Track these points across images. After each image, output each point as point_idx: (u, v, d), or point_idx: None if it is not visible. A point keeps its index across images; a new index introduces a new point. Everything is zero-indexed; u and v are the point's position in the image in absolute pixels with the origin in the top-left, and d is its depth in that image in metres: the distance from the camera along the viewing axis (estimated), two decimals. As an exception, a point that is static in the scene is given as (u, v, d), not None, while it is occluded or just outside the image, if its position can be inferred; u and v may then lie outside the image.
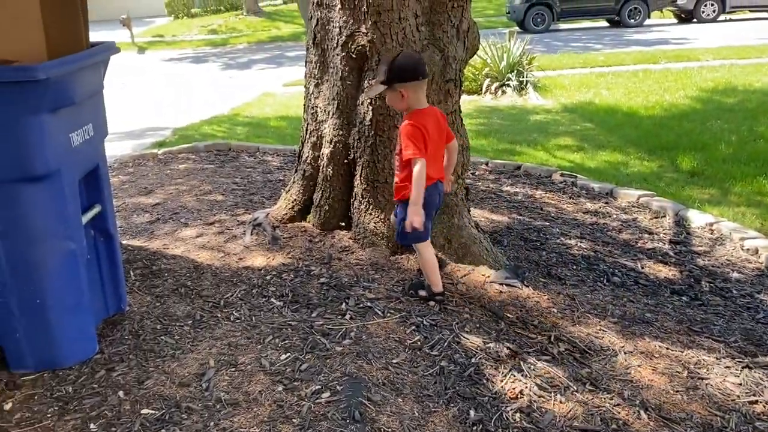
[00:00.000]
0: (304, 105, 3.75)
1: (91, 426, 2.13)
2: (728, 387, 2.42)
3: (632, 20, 19.53)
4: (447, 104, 3.35)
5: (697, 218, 4.40)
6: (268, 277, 3.17)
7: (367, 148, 3.34)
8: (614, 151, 6.58)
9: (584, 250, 3.83)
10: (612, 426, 2.18)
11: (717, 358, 2.62)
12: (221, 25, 25.47)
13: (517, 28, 17.86)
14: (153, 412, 2.20)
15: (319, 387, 2.31)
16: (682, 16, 20.40)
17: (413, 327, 2.73)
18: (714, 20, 19.63)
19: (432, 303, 2.92)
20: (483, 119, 8.43)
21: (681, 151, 6.33)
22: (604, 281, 3.42)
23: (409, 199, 2.70)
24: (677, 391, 2.38)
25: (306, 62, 3.71)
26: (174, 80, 13.89)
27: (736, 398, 2.36)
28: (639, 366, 2.53)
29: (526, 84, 10.02)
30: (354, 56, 3.31)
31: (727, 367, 2.56)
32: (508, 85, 10.00)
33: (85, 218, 2.51)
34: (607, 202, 4.83)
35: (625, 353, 2.61)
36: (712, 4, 19.62)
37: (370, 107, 3.27)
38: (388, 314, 2.83)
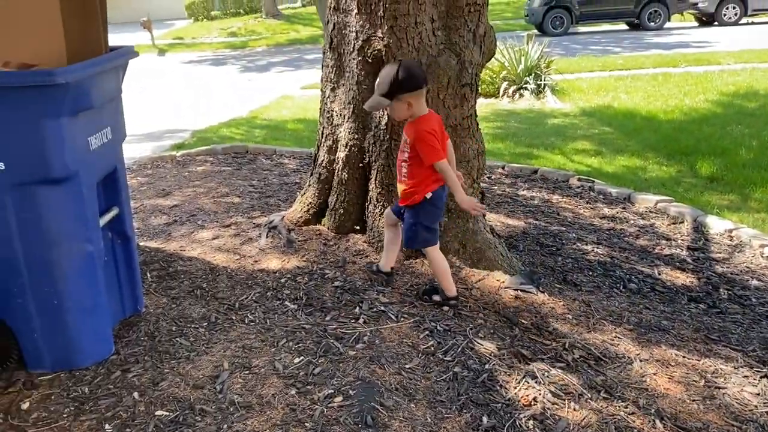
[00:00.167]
0: (320, 109, 3.77)
1: (106, 427, 2.16)
2: (746, 397, 2.39)
3: (652, 23, 19.35)
4: (463, 108, 3.34)
5: (715, 224, 4.34)
6: (282, 280, 3.19)
7: (383, 152, 3.35)
8: (632, 155, 6.52)
9: (601, 255, 3.80)
10: (626, 435, 2.16)
11: (735, 368, 2.59)
12: (240, 27, 25.67)
13: (535, 31, 17.80)
14: (167, 413, 2.22)
15: (332, 391, 2.32)
16: (703, 19, 20.16)
17: (427, 332, 2.72)
18: (736, 23, 19.38)
19: (446, 308, 2.91)
20: (500, 123, 8.40)
21: (700, 156, 6.26)
22: (621, 288, 3.39)
23: (456, 197, 2.78)
24: (693, 401, 2.35)
25: (322, 66, 3.73)
26: (193, 82, 14.00)
27: (753, 408, 2.33)
28: (655, 374, 2.50)
29: (544, 87, 9.97)
30: (370, 60, 3.31)
31: (745, 376, 2.52)
32: (526, 89, 9.96)
33: (103, 220, 2.54)
34: (624, 208, 4.79)
35: (640, 361, 2.59)
36: (734, 7, 19.36)
37: (385, 111, 3.27)
38: (402, 319, 2.83)
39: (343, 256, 3.41)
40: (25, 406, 2.27)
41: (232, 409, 2.23)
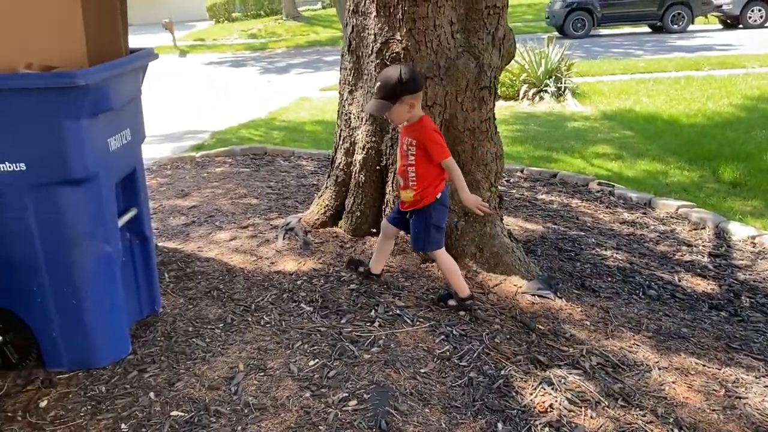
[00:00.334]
0: (338, 111, 3.77)
1: (122, 426, 2.17)
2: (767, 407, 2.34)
3: (675, 26, 19.12)
4: (481, 111, 3.33)
5: (738, 231, 4.27)
6: (298, 282, 3.19)
7: (400, 155, 3.34)
8: (653, 160, 6.44)
9: (620, 261, 3.75)
10: (644, 444, 2.13)
11: (756, 377, 2.54)
12: (261, 29, 25.82)
13: (556, 34, 17.68)
14: (182, 414, 2.23)
15: (347, 394, 2.31)
16: (728, 21, 19.87)
17: (442, 336, 2.71)
18: (761, 26, 19.08)
19: (462, 312, 2.90)
20: (519, 125, 8.35)
21: (723, 161, 6.16)
22: (640, 294, 3.34)
23: (461, 195, 2.85)
24: (713, 410, 2.31)
25: (341, 69, 3.73)
26: (214, 84, 14.10)
27: (775, 419, 2.28)
28: (674, 382, 2.47)
29: (564, 90, 9.89)
30: (388, 63, 3.30)
31: (766, 386, 2.48)
32: (546, 91, 9.89)
33: (122, 221, 2.57)
34: (644, 213, 4.73)
35: (659, 369, 2.55)
36: (760, 10, 19.06)
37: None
38: (418, 323, 2.81)
39: (359, 258, 3.40)
40: (43, 404, 2.30)
41: (246, 411, 2.24)
